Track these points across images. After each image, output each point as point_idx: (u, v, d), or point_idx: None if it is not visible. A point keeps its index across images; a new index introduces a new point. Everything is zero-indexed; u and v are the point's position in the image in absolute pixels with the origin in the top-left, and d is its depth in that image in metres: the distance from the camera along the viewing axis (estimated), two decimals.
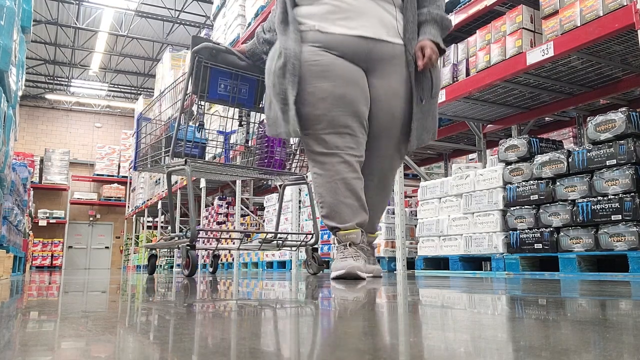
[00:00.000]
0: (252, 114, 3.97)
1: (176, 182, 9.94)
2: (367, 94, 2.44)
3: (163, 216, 12.59)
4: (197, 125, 3.20)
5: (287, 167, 3.65)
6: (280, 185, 3.84)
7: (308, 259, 3.40)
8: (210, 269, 4.03)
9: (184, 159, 3.03)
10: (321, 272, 3.33)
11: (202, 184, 8.33)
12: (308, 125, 2.36)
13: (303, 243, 3.48)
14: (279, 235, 3.62)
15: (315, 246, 3.13)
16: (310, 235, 3.53)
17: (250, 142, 3.73)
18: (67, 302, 1.11)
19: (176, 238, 3.20)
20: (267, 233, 3.70)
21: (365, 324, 0.65)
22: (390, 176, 2.61)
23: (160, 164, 3.41)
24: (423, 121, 2.46)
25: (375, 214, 2.59)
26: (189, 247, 2.88)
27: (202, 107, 3.16)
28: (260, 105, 3.39)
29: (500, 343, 0.50)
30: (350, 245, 2.36)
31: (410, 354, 0.44)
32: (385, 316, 0.74)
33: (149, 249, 3.41)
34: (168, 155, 3.19)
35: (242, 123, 3.70)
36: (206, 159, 3.63)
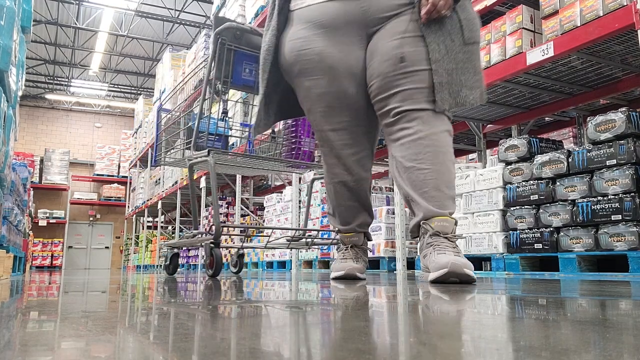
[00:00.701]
0: None
1: (176, 183, 9.93)
2: (361, 77, 2.09)
3: (163, 216, 12.60)
4: (220, 114, 2.97)
5: (317, 160, 3.48)
6: (300, 179, 3.72)
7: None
8: (234, 269, 3.79)
9: (206, 150, 2.83)
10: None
11: (202, 184, 8.33)
12: (309, 119, 2.24)
13: (335, 241, 3.14)
14: (307, 233, 3.40)
15: None
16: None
17: (276, 131, 3.48)
18: (68, 301, 1.11)
19: (199, 235, 3.03)
20: (296, 230, 3.47)
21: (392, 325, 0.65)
22: None
23: (181, 157, 3.25)
24: (457, 74, 1.90)
25: (426, 190, 1.88)
26: (212, 245, 2.71)
27: (226, 94, 2.94)
28: None
29: (501, 343, 0.50)
30: (351, 247, 2.30)
31: (410, 354, 0.44)
32: (393, 315, 0.74)
33: (170, 247, 3.21)
34: (189, 148, 3.01)
35: None
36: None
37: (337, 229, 2.37)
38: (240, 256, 3.78)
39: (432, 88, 1.90)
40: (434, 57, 1.89)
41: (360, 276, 2.23)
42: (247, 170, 3.52)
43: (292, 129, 3.40)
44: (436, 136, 1.88)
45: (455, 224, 1.89)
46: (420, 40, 1.93)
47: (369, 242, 2.38)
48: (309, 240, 3.38)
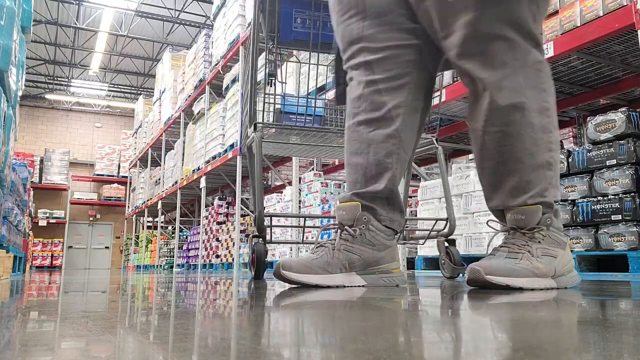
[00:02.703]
0: None
1: (176, 183, 9.94)
2: None
3: (163, 216, 12.60)
4: (267, 78, 2.41)
5: None
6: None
7: (442, 256, 2.42)
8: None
9: (253, 125, 2.34)
10: (459, 275, 2.36)
11: (202, 184, 8.33)
12: None
13: (434, 233, 2.47)
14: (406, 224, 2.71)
15: (452, 237, 2.42)
16: (444, 222, 2.45)
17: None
18: (68, 302, 1.11)
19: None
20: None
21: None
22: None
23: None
24: None
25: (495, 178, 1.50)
26: (256, 239, 2.22)
27: (274, 52, 2.37)
28: None
29: (500, 343, 0.50)
30: (339, 228, 1.56)
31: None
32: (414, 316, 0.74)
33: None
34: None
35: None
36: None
37: None
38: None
39: None
40: None
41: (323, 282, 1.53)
42: (307, 151, 2.88)
43: None
44: None
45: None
46: None
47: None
48: (406, 232, 2.79)
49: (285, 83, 2.65)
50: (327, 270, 1.46)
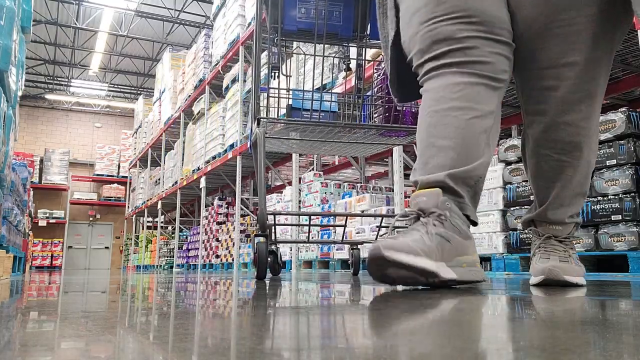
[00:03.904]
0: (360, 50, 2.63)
1: (176, 183, 9.94)
2: None
3: (163, 216, 12.60)
4: (270, 70, 2.34)
5: None
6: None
7: None
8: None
9: (257, 120, 2.27)
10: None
11: (202, 184, 8.33)
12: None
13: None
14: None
15: None
16: None
17: (361, 91, 2.62)
18: (68, 302, 1.11)
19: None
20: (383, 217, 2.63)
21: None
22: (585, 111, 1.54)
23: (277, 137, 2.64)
24: None
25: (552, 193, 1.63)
26: (260, 238, 2.17)
27: (277, 44, 2.29)
28: (366, 33, 2.39)
29: (500, 343, 0.50)
30: (418, 216, 1.41)
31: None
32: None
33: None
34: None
35: (348, 65, 2.59)
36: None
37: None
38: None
39: None
40: None
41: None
42: (314, 147, 2.75)
43: (384, 84, 2.56)
44: None
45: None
46: None
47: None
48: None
49: (290, 76, 2.50)
50: (427, 253, 1.30)
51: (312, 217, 3.25)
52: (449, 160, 1.43)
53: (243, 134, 6.92)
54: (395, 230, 1.87)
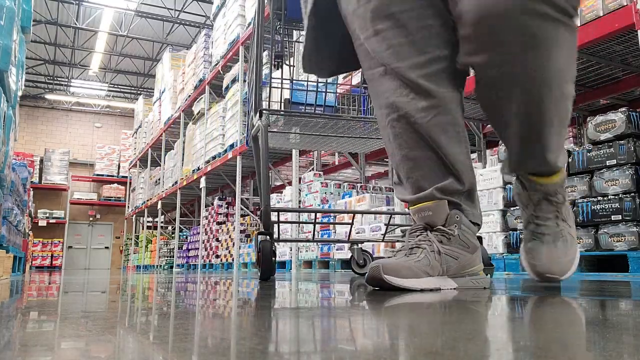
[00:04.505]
0: None
1: (176, 183, 9.94)
2: None
3: (163, 216, 12.60)
4: (273, 60, 2.24)
5: None
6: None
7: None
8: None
9: (259, 112, 2.19)
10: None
11: (202, 184, 8.33)
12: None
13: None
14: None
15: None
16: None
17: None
18: (68, 302, 1.11)
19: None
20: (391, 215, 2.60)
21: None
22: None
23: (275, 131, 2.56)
24: None
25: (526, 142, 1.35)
26: (262, 237, 2.11)
27: (280, 32, 2.19)
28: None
29: (499, 343, 0.50)
30: (425, 229, 1.36)
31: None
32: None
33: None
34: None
35: None
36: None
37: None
38: (367, 253, 2.78)
39: None
40: None
41: (415, 285, 1.27)
42: (318, 143, 2.65)
43: None
44: None
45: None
46: None
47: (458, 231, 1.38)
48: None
49: (294, 66, 2.34)
50: (429, 273, 1.29)
51: (317, 214, 3.09)
52: (426, 174, 1.38)
53: (243, 133, 6.92)
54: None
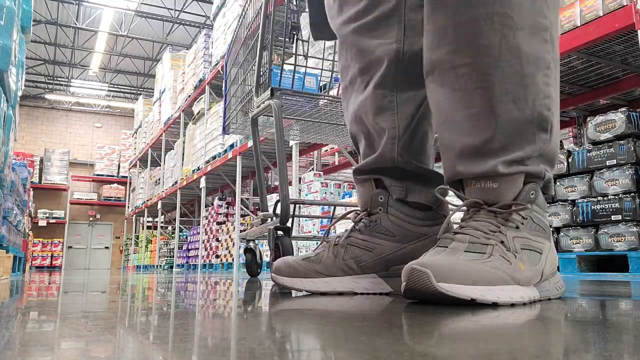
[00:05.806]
0: None
1: (176, 183, 9.94)
2: None
3: (163, 216, 12.60)
4: (289, 30, 1.99)
5: None
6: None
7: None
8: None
9: (269, 89, 1.97)
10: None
11: (202, 184, 8.33)
12: None
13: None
14: None
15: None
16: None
17: None
18: (68, 302, 1.11)
19: (269, 219, 2.15)
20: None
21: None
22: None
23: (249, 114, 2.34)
24: None
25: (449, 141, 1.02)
26: (278, 232, 1.88)
27: (297, 1, 1.99)
28: None
29: (499, 344, 0.50)
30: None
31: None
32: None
33: (244, 240, 2.36)
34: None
35: None
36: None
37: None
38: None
39: None
40: None
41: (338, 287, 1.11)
42: (322, 131, 2.47)
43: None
44: None
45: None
46: None
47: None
48: None
49: (308, 42, 2.05)
50: (324, 273, 1.09)
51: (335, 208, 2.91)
52: (360, 149, 1.18)
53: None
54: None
